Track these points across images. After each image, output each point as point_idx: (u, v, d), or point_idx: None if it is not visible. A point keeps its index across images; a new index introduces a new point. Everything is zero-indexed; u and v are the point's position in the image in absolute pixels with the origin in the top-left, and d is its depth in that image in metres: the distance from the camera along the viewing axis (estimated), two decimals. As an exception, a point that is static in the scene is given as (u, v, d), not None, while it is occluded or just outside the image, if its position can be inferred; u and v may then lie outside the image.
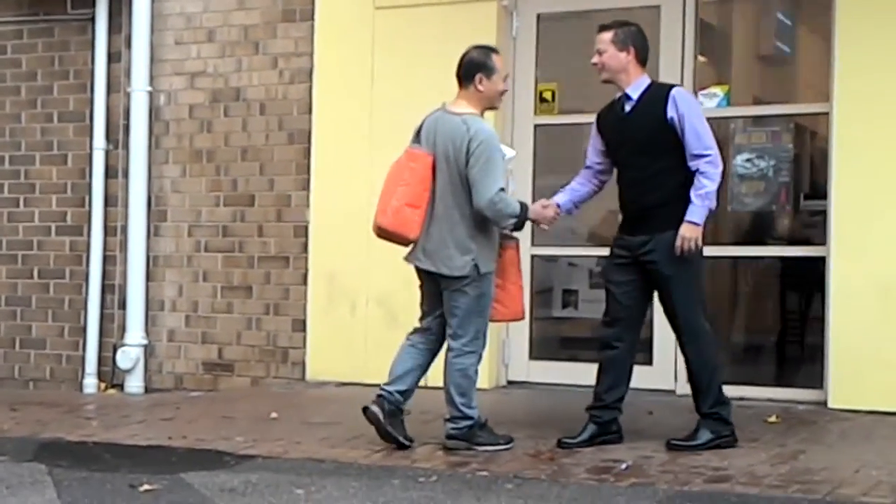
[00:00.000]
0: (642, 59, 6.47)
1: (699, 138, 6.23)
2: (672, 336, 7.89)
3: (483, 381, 7.34)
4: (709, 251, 7.71)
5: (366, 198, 8.48)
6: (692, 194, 6.19)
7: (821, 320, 7.51)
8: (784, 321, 7.58)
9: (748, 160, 8.01)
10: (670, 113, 6.27)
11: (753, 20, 8.78)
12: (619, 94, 6.47)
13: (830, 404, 7.33)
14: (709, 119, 7.00)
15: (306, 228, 8.90)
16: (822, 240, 7.57)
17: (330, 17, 8.90)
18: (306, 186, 8.92)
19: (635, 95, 6.39)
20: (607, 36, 6.42)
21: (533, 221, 6.51)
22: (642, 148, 6.35)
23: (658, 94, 6.37)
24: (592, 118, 8.46)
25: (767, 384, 7.75)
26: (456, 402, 6.23)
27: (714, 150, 6.24)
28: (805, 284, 7.96)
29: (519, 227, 6.32)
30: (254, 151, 9.14)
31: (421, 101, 8.04)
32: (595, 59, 6.45)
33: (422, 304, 6.53)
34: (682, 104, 6.31)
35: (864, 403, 7.16)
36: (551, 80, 8.56)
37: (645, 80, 6.45)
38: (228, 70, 9.27)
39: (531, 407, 7.64)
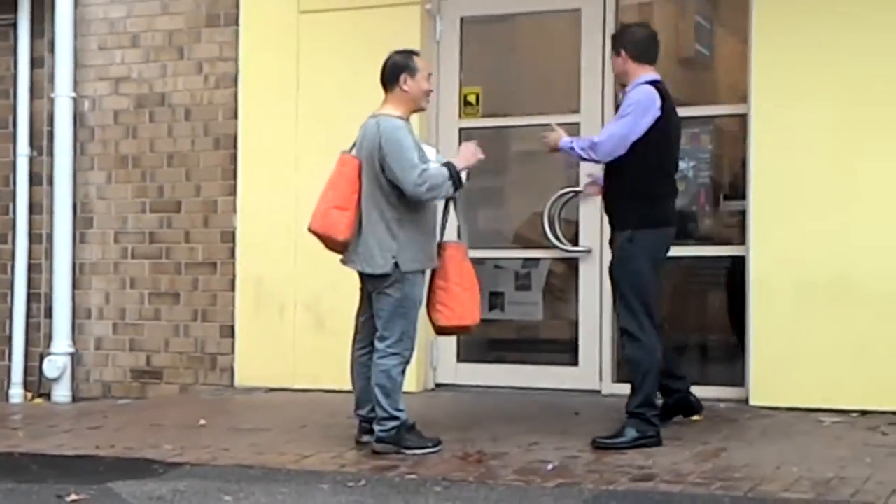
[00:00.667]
0: (639, 58, 6.63)
1: (617, 117, 6.57)
2: (597, 336, 8.07)
3: (411, 385, 7.41)
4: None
5: (292, 203, 8.56)
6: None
7: (742, 319, 7.62)
8: (706, 320, 7.68)
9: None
10: (622, 105, 6.58)
11: (673, 23, 8.87)
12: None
13: (752, 402, 7.44)
14: None
15: (233, 234, 8.91)
16: (742, 239, 7.68)
17: (254, 22, 8.91)
18: (233, 192, 8.92)
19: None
20: (610, 45, 6.81)
21: (466, 169, 6.45)
22: None
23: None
24: (517, 121, 8.68)
25: (691, 383, 7.82)
26: (382, 403, 6.27)
27: (606, 136, 6.46)
28: (726, 284, 8.07)
29: (457, 186, 6.30)
30: (180, 157, 9.12)
31: (347, 104, 8.15)
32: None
33: (358, 306, 6.61)
34: (631, 96, 6.54)
35: (784, 400, 7.29)
36: (475, 83, 8.62)
37: (644, 78, 6.58)
38: (153, 75, 9.25)
39: (459, 409, 7.69)
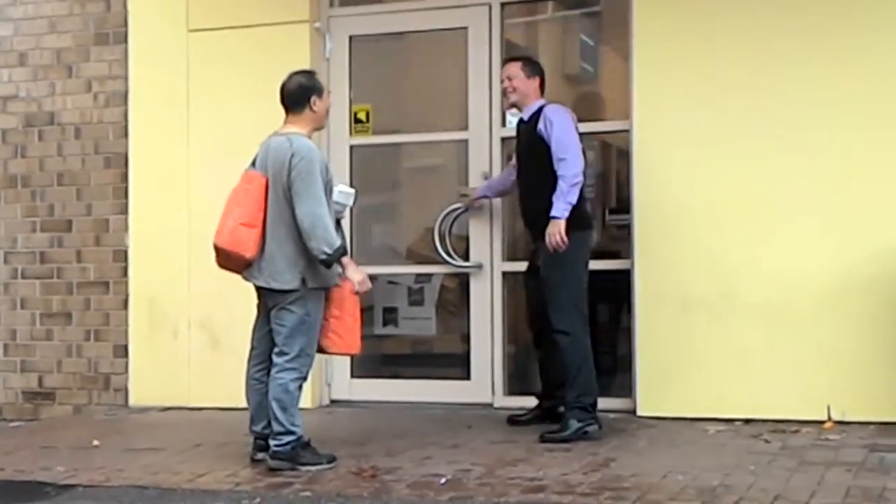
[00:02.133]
0: (543, 88, 7.34)
1: (559, 144, 6.99)
2: (489, 350, 8.18)
3: (306, 401, 7.42)
4: (516, 266, 8.02)
5: (185, 221, 8.56)
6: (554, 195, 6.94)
7: (629, 331, 7.76)
8: (596, 333, 7.80)
9: (554, 177, 8.21)
10: (540, 126, 7.10)
11: (559, 41, 9.03)
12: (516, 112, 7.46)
13: (639, 412, 7.59)
14: (514, 138, 7.46)
15: (125, 253, 8.87)
16: (628, 253, 7.81)
17: (143, 40, 8.89)
18: (125, 210, 8.88)
19: (527, 117, 7.26)
20: (517, 65, 7.33)
21: (343, 271, 6.45)
22: (528, 161, 7.25)
23: (538, 112, 7.18)
24: (407, 137, 8.78)
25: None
26: (278, 418, 6.30)
27: (569, 154, 6.93)
28: (614, 297, 8.23)
29: (328, 263, 6.31)
30: (70, 176, 9.07)
31: (237, 122, 8.19)
32: (506, 85, 7.30)
33: (255, 323, 6.62)
34: (550, 116, 7.07)
35: (670, 410, 7.45)
36: (365, 101, 8.68)
37: (539, 103, 7.26)
38: (41, 94, 9.19)
39: (354, 425, 7.73)
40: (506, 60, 7.61)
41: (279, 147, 6.35)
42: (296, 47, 8.46)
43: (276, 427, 6.31)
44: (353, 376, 8.55)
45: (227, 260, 6.44)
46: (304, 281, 6.31)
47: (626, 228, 7.87)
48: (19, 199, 9.18)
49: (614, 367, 8.25)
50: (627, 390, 7.77)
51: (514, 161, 7.59)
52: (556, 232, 6.86)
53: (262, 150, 6.48)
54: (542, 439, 6.83)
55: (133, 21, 8.91)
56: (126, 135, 8.91)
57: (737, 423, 7.26)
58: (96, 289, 8.96)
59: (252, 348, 6.61)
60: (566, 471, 6.04)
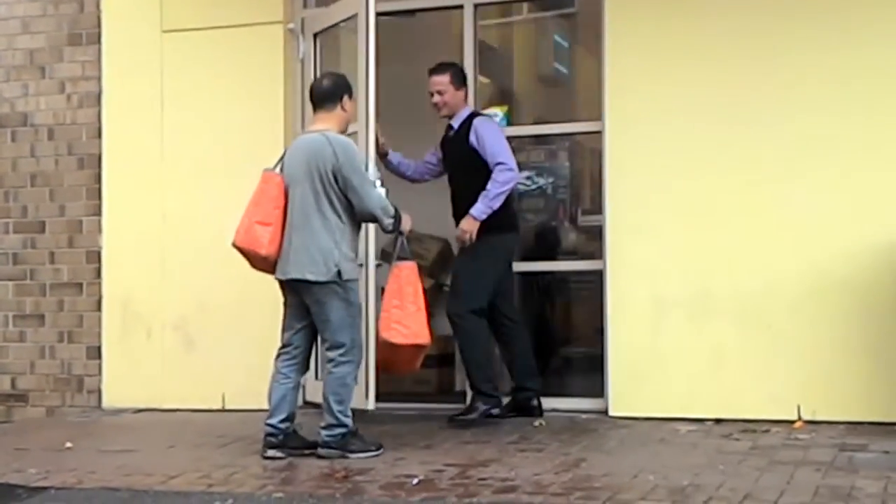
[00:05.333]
0: (467, 94, 7.71)
1: (494, 153, 7.36)
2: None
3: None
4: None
5: (158, 222, 8.56)
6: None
7: (602, 331, 7.77)
8: (568, 333, 7.85)
9: (528, 178, 8.28)
10: (471, 138, 7.44)
11: (533, 42, 9.06)
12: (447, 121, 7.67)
13: (611, 412, 7.62)
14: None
15: (99, 254, 8.86)
16: (600, 254, 7.83)
17: (117, 41, 8.89)
18: (98, 212, 8.87)
19: (457, 125, 7.58)
20: (445, 78, 7.54)
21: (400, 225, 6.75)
22: (458, 168, 7.58)
23: (468, 122, 7.51)
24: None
25: (553, 394, 8.01)
26: (333, 410, 6.43)
27: (505, 158, 7.27)
28: (588, 297, 8.26)
29: (396, 226, 6.66)
30: (43, 177, 9.05)
31: (211, 122, 8.20)
32: (437, 100, 7.55)
33: (284, 321, 6.69)
34: (480, 129, 7.46)
35: (641, 410, 7.48)
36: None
37: (467, 111, 7.62)
38: (14, 95, 9.17)
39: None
40: (431, 70, 7.64)
41: (316, 144, 6.51)
42: (269, 48, 8.49)
43: (329, 419, 6.46)
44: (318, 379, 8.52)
45: (247, 258, 6.57)
46: (339, 273, 6.43)
47: (598, 229, 7.89)
48: (-8, 201, 9.16)
49: (587, 367, 8.28)
50: (599, 390, 7.79)
51: (436, 155, 7.79)
52: (470, 230, 7.31)
53: (292, 148, 6.64)
54: (451, 421, 7.39)
55: (106, 22, 8.91)
56: (99, 136, 8.90)
57: (708, 422, 7.31)
58: (69, 290, 8.94)
59: (284, 345, 6.67)
60: (538, 471, 6.06)
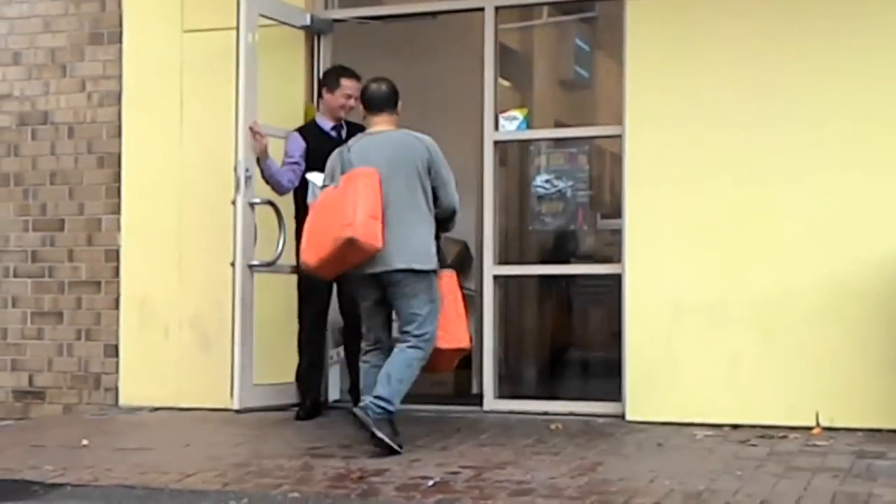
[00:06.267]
0: None
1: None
2: (478, 354, 8.18)
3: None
4: (513, 270, 8.03)
5: (176, 221, 8.58)
6: None
7: (619, 336, 7.76)
8: (586, 337, 7.83)
9: (547, 181, 8.28)
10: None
11: (553, 45, 9.05)
12: (333, 124, 7.99)
13: (628, 416, 7.59)
14: (509, 142, 7.89)
15: (118, 252, 8.87)
16: (619, 258, 7.82)
17: (138, 40, 8.90)
18: (117, 210, 8.89)
19: (344, 130, 7.96)
20: (359, 85, 7.67)
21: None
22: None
23: (349, 130, 7.87)
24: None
25: (570, 398, 8.00)
26: (393, 387, 6.50)
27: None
28: (605, 301, 8.25)
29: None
30: (63, 175, 9.07)
31: (231, 122, 8.16)
32: (351, 104, 7.82)
33: (368, 320, 6.84)
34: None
35: (658, 415, 7.45)
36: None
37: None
38: (35, 93, 9.20)
39: (342, 427, 7.71)
40: (351, 74, 7.96)
41: (405, 140, 6.78)
42: (291, 48, 8.50)
43: (383, 391, 6.50)
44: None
45: (351, 254, 6.54)
46: (437, 261, 6.71)
47: (618, 233, 7.88)
48: (12, 198, 9.18)
49: (604, 371, 8.27)
50: (616, 394, 7.76)
51: (297, 165, 7.87)
52: None
53: (364, 147, 6.76)
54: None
55: (128, 21, 8.92)
56: (119, 135, 8.91)
57: (725, 428, 7.27)
58: (88, 288, 8.96)
59: (375, 343, 6.83)
60: (554, 474, 6.05)
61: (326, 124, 8.05)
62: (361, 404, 6.53)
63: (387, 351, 6.74)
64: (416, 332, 6.62)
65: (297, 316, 7.97)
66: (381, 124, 6.87)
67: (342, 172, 6.70)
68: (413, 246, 6.62)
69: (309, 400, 7.96)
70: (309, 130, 8.03)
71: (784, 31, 7.43)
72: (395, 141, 6.78)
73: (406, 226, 6.62)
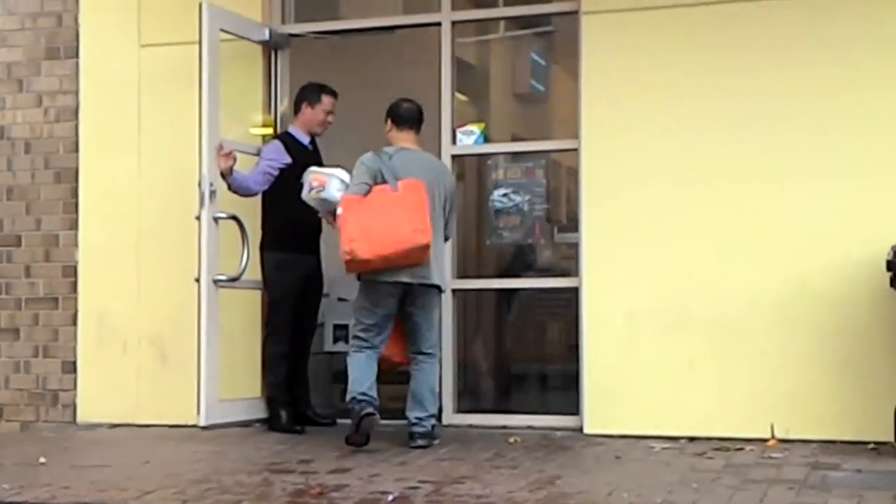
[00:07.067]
0: None
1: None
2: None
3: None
4: (472, 284, 8.06)
5: (135, 237, 8.55)
6: None
7: (577, 349, 7.80)
8: (544, 350, 7.86)
9: (504, 195, 8.31)
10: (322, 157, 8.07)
11: (510, 60, 9.09)
12: (309, 138, 8.17)
13: (586, 430, 7.64)
14: (467, 156, 7.94)
15: (75, 268, 8.83)
16: (577, 271, 7.85)
17: (94, 55, 8.88)
18: (74, 226, 8.85)
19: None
20: (335, 101, 8.13)
21: None
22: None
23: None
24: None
25: (529, 412, 8.04)
26: (433, 401, 7.26)
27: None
28: (563, 314, 8.29)
29: None
30: (20, 191, 9.03)
31: (189, 137, 8.15)
32: (331, 119, 8.12)
33: (377, 325, 7.16)
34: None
35: (616, 428, 7.50)
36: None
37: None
38: (-9, 108, 9.16)
39: (302, 442, 7.74)
40: (331, 92, 8.16)
41: (439, 166, 7.39)
42: (250, 63, 8.51)
43: (430, 409, 7.22)
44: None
45: (414, 257, 6.89)
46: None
47: (575, 247, 7.91)
48: (-32, 214, 9.13)
49: (562, 384, 8.30)
50: (574, 408, 7.81)
51: (273, 173, 7.94)
52: None
53: (405, 161, 7.09)
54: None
55: (84, 36, 8.90)
56: (77, 150, 8.88)
57: (682, 440, 7.34)
58: (45, 304, 8.92)
59: (374, 346, 7.19)
60: (513, 488, 6.07)
61: (304, 137, 8.15)
62: (419, 432, 7.18)
63: (380, 352, 7.22)
64: (434, 342, 7.27)
65: (265, 330, 7.98)
66: (409, 141, 7.29)
67: (387, 178, 6.97)
68: (440, 264, 7.25)
69: (289, 413, 8.05)
70: (290, 143, 8.07)
71: (744, 40, 7.49)
72: (432, 162, 7.31)
73: (437, 245, 7.12)
